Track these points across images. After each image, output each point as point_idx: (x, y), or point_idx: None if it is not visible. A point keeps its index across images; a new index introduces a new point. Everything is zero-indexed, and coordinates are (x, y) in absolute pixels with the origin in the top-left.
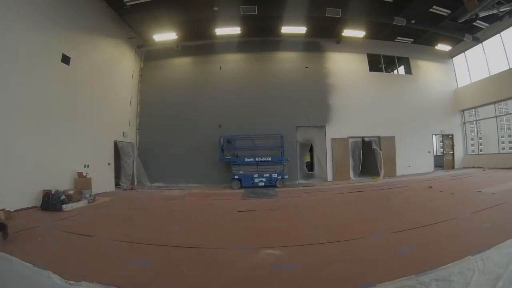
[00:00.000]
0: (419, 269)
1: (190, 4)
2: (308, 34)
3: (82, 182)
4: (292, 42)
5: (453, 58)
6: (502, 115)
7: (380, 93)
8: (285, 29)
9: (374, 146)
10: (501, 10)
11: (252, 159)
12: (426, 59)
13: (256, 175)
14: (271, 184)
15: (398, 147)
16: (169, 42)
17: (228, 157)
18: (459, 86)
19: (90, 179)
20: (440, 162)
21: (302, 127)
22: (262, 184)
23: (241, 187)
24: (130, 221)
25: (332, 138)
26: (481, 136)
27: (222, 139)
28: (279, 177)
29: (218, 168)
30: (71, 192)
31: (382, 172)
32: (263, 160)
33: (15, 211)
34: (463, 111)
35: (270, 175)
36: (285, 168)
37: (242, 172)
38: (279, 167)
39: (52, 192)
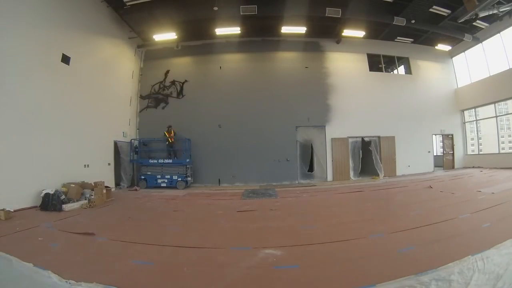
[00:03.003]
0: (419, 269)
1: (190, 4)
2: (308, 34)
3: (82, 182)
4: (292, 42)
5: (453, 58)
6: (502, 115)
7: (380, 93)
8: (285, 29)
9: (371, 147)
10: (501, 10)
11: (156, 161)
12: (426, 59)
13: (159, 176)
14: (171, 185)
15: (398, 147)
16: (169, 42)
17: (135, 159)
18: (459, 86)
19: None
20: (440, 162)
21: (302, 127)
22: (164, 184)
23: (147, 186)
24: (130, 221)
25: (332, 138)
26: (481, 136)
27: (134, 141)
28: (179, 179)
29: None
30: None
31: (380, 173)
32: (165, 162)
33: (15, 211)
34: (463, 111)
35: (171, 176)
36: (189, 171)
37: (149, 173)
38: (181, 170)
39: (52, 192)
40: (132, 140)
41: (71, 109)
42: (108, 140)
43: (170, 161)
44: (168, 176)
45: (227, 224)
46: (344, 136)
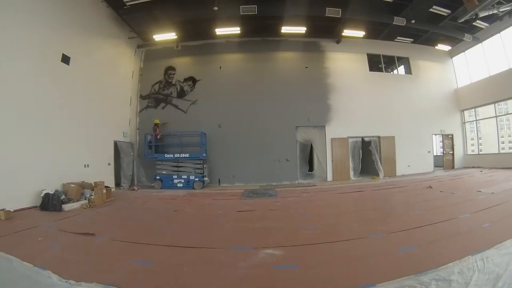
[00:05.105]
0: (419, 269)
1: (190, 4)
2: (308, 34)
3: (82, 182)
4: (292, 42)
5: (453, 58)
6: (502, 115)
7: (380, 93)
8: (285, 29)
9: (371, 147)
10: (501, 10)
11: (171, 156)
12: (426, 59)
13: (175, 176)
14: (188, 185)
15: (398, 147)
16: (169, 42)
17: (150, 154)
18: (459, 86)
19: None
20: (440, 162)
21: (302, 127)
22: (181, 185)
23: (162, 187)
24: (129, 221)
25: (332, 138)
26: (481, 136)
27: (148, 136)
28: (197, 179)
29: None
30: None
31: (380, 173)
32: (181, 156)
33: (15, 211)
34: (463, 111)
35: (188, 176)
36: (206, 170)
37: (164, 172)
38: (198, 169)
39: (52, 192)
40: (146, 135)
41: (71, 109)
42: (108, 140)
43: (187, 155)
44: (185, 177)
45: (227, 224)
46: (344, 136)
